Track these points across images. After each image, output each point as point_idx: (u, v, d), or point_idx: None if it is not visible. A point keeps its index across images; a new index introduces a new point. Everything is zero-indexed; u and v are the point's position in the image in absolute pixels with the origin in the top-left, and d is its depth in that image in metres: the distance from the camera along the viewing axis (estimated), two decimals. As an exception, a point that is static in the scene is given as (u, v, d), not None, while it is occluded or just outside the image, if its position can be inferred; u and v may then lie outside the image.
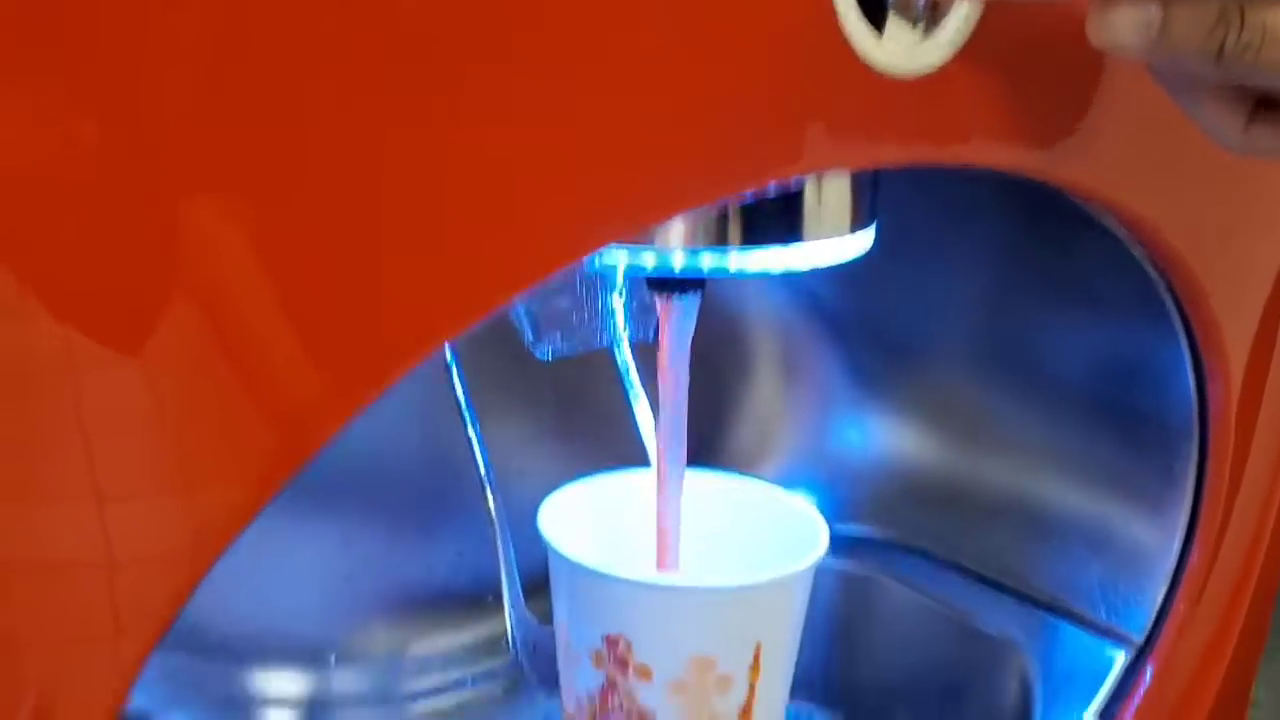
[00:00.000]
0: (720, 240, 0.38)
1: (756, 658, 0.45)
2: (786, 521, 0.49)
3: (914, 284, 0.58)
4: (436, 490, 0.59)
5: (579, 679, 0.46)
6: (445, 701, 0.60)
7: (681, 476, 0.47)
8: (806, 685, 0.67)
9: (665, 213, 0.35)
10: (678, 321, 0.45)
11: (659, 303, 0.45)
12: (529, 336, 0.49)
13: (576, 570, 0.45)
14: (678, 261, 0.38)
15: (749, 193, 0.36)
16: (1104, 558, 0.57)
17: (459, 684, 0.61)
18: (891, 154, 0.36)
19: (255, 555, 0.55)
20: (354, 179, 0.30)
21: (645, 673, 0.44)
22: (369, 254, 0.31)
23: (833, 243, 0.41)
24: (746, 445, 0.64)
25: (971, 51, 0.36)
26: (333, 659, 0.58)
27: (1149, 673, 0.55)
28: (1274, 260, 0.51)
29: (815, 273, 0.58)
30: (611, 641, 0.44)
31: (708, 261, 0.38)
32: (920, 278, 0.58)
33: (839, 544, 0.67)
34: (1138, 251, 0.46)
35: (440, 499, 0.60)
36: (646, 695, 0.44)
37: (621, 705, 0.45)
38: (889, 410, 0.63)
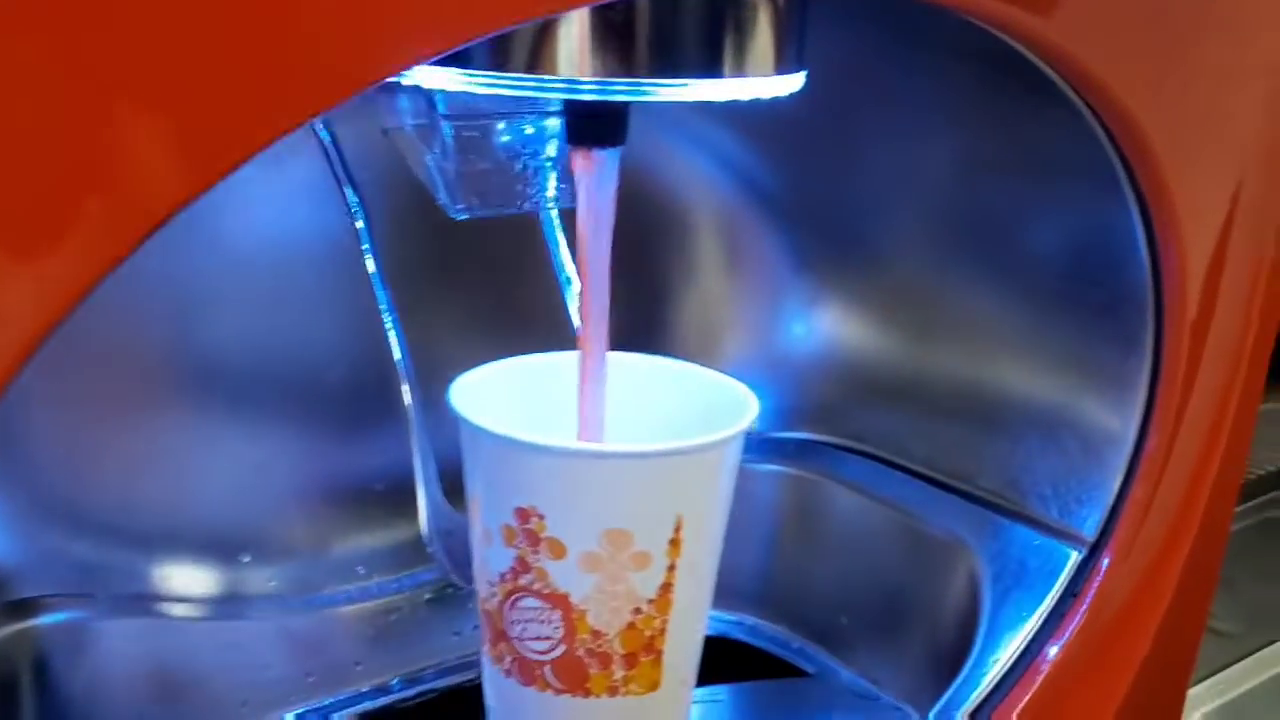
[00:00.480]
0: (633, 69, 0.35)
1: (677, 533, 0.42)
2: (716, 398, 0.46)
3: (863, 165, 0.56)
4: (361, 384, 0.57)
5: (490, 559, 0.43)
6: (368, 606, 0.57)
7: (604, 351, 0.44)
8: (751, 596, 0.64)
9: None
10: (597, 181, 0.42)
11: (577, 161, 0.42)
12: (442, 197, 0.46)
13: (484, 438, 0.42)
14: (588, 91, 0.35)
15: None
16: (1058, 451, 0.55)
17: (383, 588, 0.58)
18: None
19: (164, 442, 0.53)
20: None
21: (557, 548, 0.41)
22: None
23: (756, 81, 0.38)
24: (687, 343, 0.61)
25: None
26: (246, 557, 0.55)
27: (1101, 571, 0.53)
28: (1230, 123, 0.48)
29: (757, 157, 0.55)
30: (523, 514, 0.41)
31: (620, 91, 0.35)
32: (870, 158, 0.55)
33: (783, 448, 0.65)
34: (1085, 110, 0.44)
35: (366, 393, 0.57)
36: (559, 573, 0.42)
37: (533, 584, 0.42)
38: (837, 301, 0.61)
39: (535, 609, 0.42)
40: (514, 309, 0.56)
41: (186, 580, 0.53)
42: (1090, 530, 0.54)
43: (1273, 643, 0.94)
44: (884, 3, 0.41)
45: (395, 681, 0.57)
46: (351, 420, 0.57)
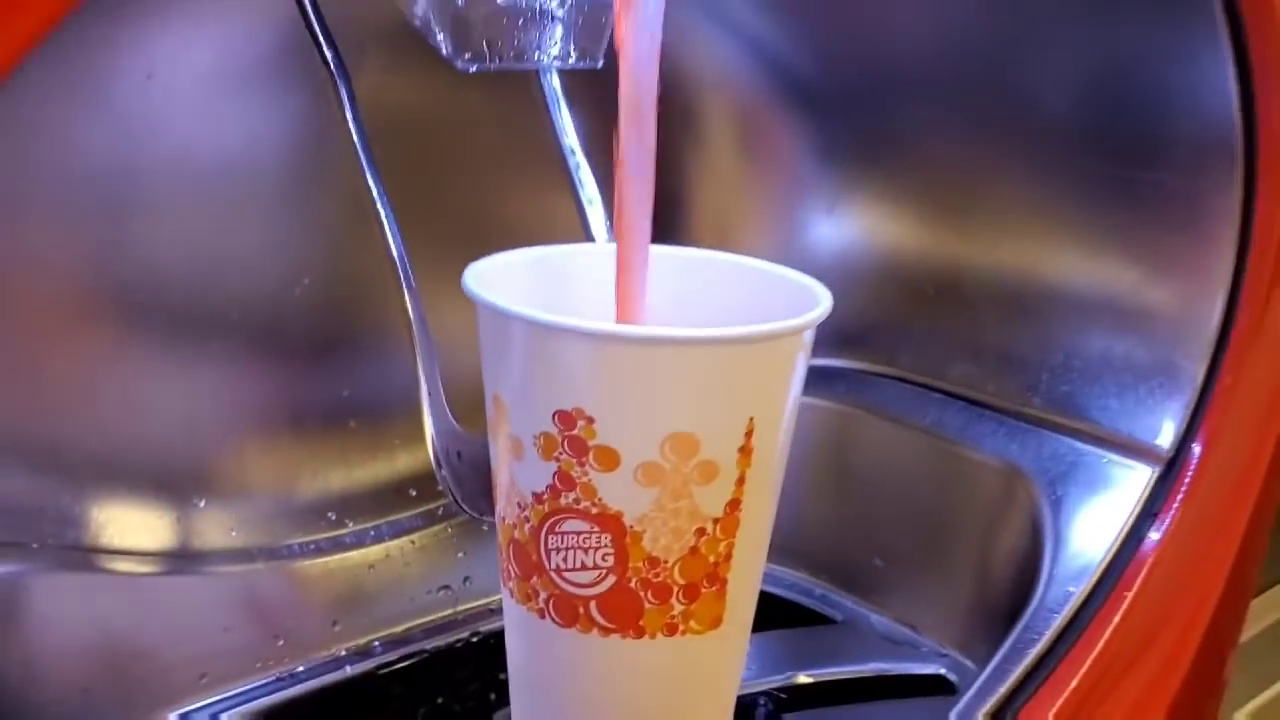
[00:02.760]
0: None
1: (748, 440, 0.35)
2: (779, 291, 0.39)
3: (892, 29, 0.49)
4: (333, 299, 0.49)
5: (522, 477, 0.36)
6: (344, 557, 0.50)
7: (647, 217, 0.37)
8: (787, 536, 0.58)
9: None
10: (641, 19, 0.35)
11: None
12: (446, 48, 0.38)
13: (516, 325, 0.34)
14: None
15: None
16: (1122, 355, 0.49)
17: (359, 537, 0.50)
18: None
19: (103, 367, 0.44)
20: None
21: (609, 458, 0.34)
22: None
23: None
24: (709, 230, 0.54)
25: None
26: (201, 502, 0.47)
27: (1184, 487, 0.47)
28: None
29: (777, 29, 0.48)
30: (567, 419, 0.34)
31: None
32: (899, 18, 0.48)
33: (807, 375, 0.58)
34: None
35: (339, 309, 0.49)
36: (610, 489, 0.34)
37: (578, 504, 0.35)
38: (865, 197, 0.54)
39: (581, 533, 0.35)
40: (514, 201, 0.49)
41: (132, 529, 0.45)
42: (1166, 443, 0.48)
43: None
44: None
45: (377, 644, 0.49)
46: (321, 342, 0.49)
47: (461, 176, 0.50)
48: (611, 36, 0.40)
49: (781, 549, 0.58)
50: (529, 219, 0.49)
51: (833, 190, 0.54)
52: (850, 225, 0.55)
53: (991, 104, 0.49)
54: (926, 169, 0.52)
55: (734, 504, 0.36)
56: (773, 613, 0.56)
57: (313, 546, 0.49)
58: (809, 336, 0.36)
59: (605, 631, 0.36)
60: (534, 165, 0.47)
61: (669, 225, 0.54)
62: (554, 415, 0.34)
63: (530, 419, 0.35)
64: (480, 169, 0.50)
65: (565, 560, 0.35)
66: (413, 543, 0.51)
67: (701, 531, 0.35)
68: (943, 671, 0.51)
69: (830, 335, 0.58)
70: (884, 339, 0.56)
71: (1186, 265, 0.46)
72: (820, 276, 0.53)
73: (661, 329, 0.34)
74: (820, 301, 0.37)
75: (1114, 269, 0.49)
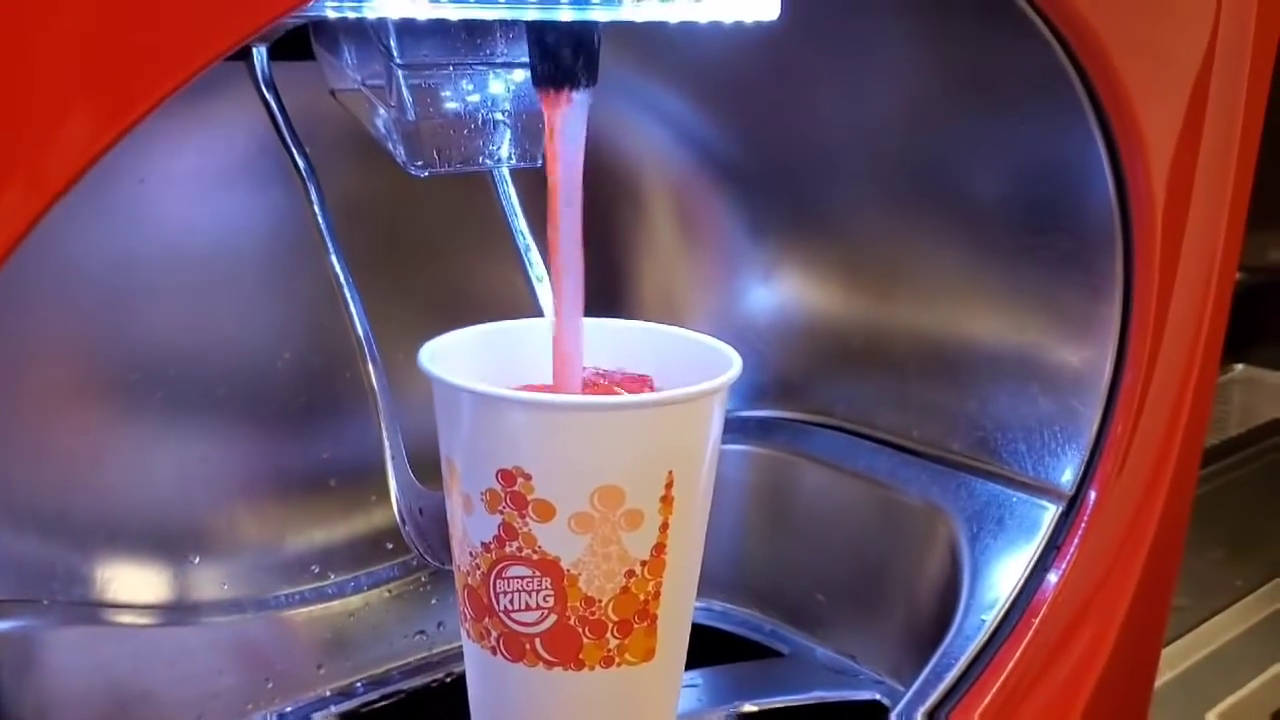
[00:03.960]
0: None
1: (669, 490, 0.40)
2: (693, 356, 0.45)
3: (815, 121, 0.55)
4: (311, 371, 0.54)
5: (473, 529, 0.41)
6: (326, 606, 0.54)
7: (579, 299, 0.42)
8: (721, 581, 0.63)
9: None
10: (568, 130, 0.40)
11: (548, 106, 0.40)
12: (400, 154, 0.43)
13: (464, 397, 0.39)
14: (564, 10, 0.34)
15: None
16: (1029, 405, 0.54)
17: (341, 587, 0.55)
18: None
19: (103, 437, 0.49)
20: None
21: (546, 510, 0.39)
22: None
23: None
24: (646, 316, 0.59)
25: None
26: (195, 558, 0.51)
27: (1083, 522, 0.52)
28: (1194, 43, 0.48)
29: (709, 119, 0.54)
30: (508, 476, 0.39)
31: (596, 9, 0.34)
32: (821, 111, 0.54)
33: (748, 425, 0.63)
34: (1045, 30, 0.43)
35: (316, 380, 0.54)
36: (548, 537, 0.39)
37: (521, 551, 0.40)
38: (796, 266, 0.59)
39: (524, 577, 0.40)
40: (470, 283, 0.54)
41: (133, 584, 0.50)
42: (1068, 483, 0.53)
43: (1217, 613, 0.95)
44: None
45: (360, 685, 0.54)
46: (302, 410, 0.54)
47: (427, 257, 0.55)
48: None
49: (732, 587, 0.63)
50: (487, 293, 0.54)
51: (767, 260, 0.60)
52: (784, 291, 0.60)
53: (909, 182, 0.54)
54: (852, 240, 0.58)
55: (659, 547, 0.41)
56: (725, 648, 0.61)
57: (298, 597, 0.54)
58: (722, 397, 0.41)
59: (549, 665, 0.41)
60: (491, 246, 0.53)
61: (616, 296, 0.60)
62: (497, 474, 0.39)
63: (477, 477, 0.40)
64: (443, 250, 0.55)
65: (512, 602, 0.40)
66: (390, 591, 0.56)
67: (631, 573, 0.40)
68: (878, 697, 0.56)
69: (770, 388, 0.63)
70: (819, 392, 0.61)
71: (1082, 323, 0.51)
72: (757, 337, 0.59)
73: (588, 397, 0.39)
74: (731, 365, 0.42)
75: (1020, 327, 0.54)
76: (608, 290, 0.59)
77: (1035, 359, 0.54)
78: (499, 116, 0.45)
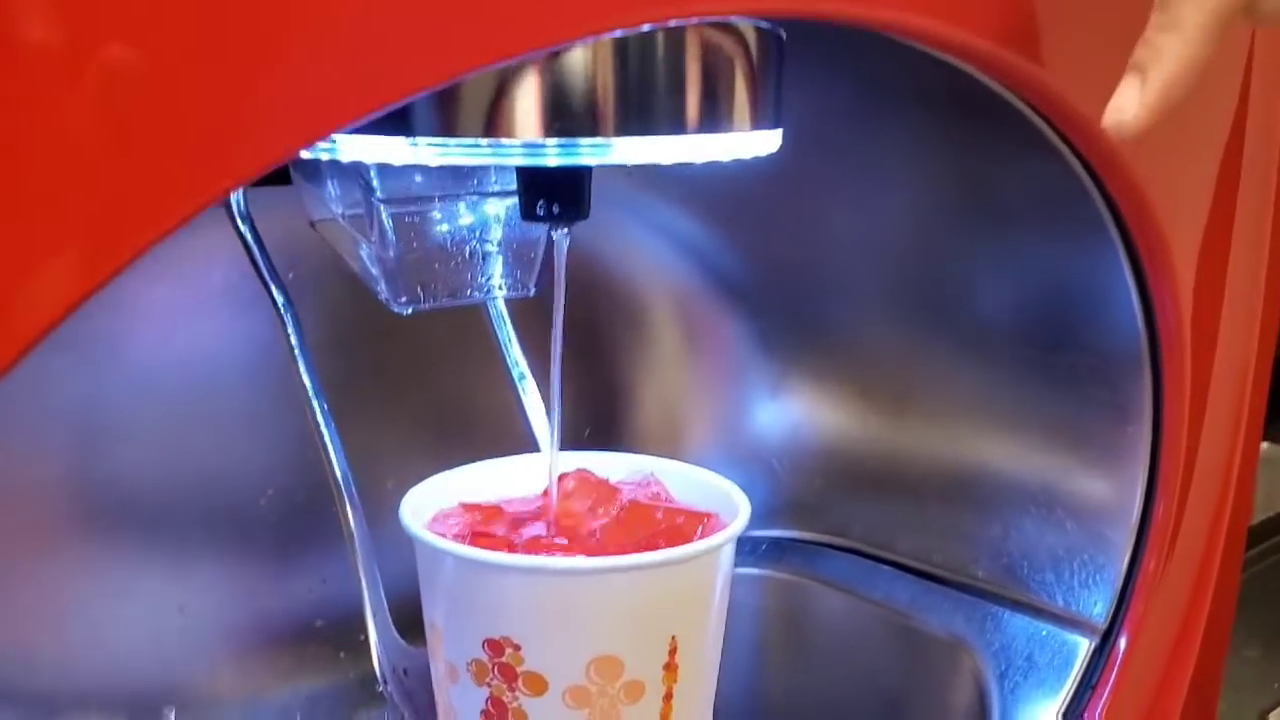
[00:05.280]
0: (599, 127, 0.31)
1: (672, 657, 0.37)
2: (698, 498, 0.42)
3: (825, 235, 0.52)
4: (295, 510, 0.51)
5: (458, 701, 0.38)
6: (312, 758, 0.51)
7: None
8: (733, 713, 0.59)
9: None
10: (563, 254, 0.38)
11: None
12: (382, 290, 0.41)
13: (447, 560, 0.36)
14: (551, 152, 0.31)
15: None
16: (1055, 533, 0.51)
17: (328, 736, 0.52)
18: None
19: (72, 586, 0.46)
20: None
21: (537, 683, 0.36)
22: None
23: (735, 138, 0.34)
24: (650, 434, 0.56)
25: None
26: (170, 713, 0.48)
27: (1118, 659, 0.48)
28: (1214, 159, 0.45)
29: (713, 236, 0.51)
30: (494, 646, 0.36)
31: (586, 149, 0.31)
32: (832, 226, 0.52)
33: (760, 548, 0.60)
34: (1066, 151, 0.40)
35: (300, 519, 0.51)
36: (540, 712, 0.36)
37: (511, 726, 0.36)
38: (806, 384, 0.56)
39: (515, 755, 0.37)
40: (461, 411, 0.51)
41: (103, 747, 0.46)
42: (1100, 615, 0.50)
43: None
44: (848, 50, 0.38)
45: (346, 847, 0.50)
46: (284, 550, 0.51)
47: (419, 385, 0.53)
48: (542, 266, 0.44)
49: (742, 718, 0.59)
50: (481, 420, 0.51)
51: (776, 377, 0.57)
52: (795, 409, 0.57)
53: (921, 297, 0.51)
54: (863, 357, 0.55)
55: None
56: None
57: (282, 749, 0.50)
58: (729, 549, 0.38)
59: (544, 847, 0.37)
60: (483, 369, 0.50)
61: (617, 417, 0.57)
62: (484, 643, 0.36)
63: (462, 646, 0.37)
64: (436, 377, 0.52)
65: (503, 781, 0.37)
66: (379, 738, 0.52)
67: (631, 748, 0.37)
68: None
69: (783, 508, 0.60)
70: (834, 512, 0.58)
71: (1108, 447, 0.48)
72: (767, 455, 0.55)
73: (581, 559, 0.36)
74: (737, 516, 0.39)
75: (1042, 449, 0.51)
76: (609, 405, 0.56)
77: (1060, 483, 0.51)
78: (489, 247, 0.42)
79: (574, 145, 0.31)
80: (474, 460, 0.44)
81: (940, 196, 0.48)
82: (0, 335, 0.24)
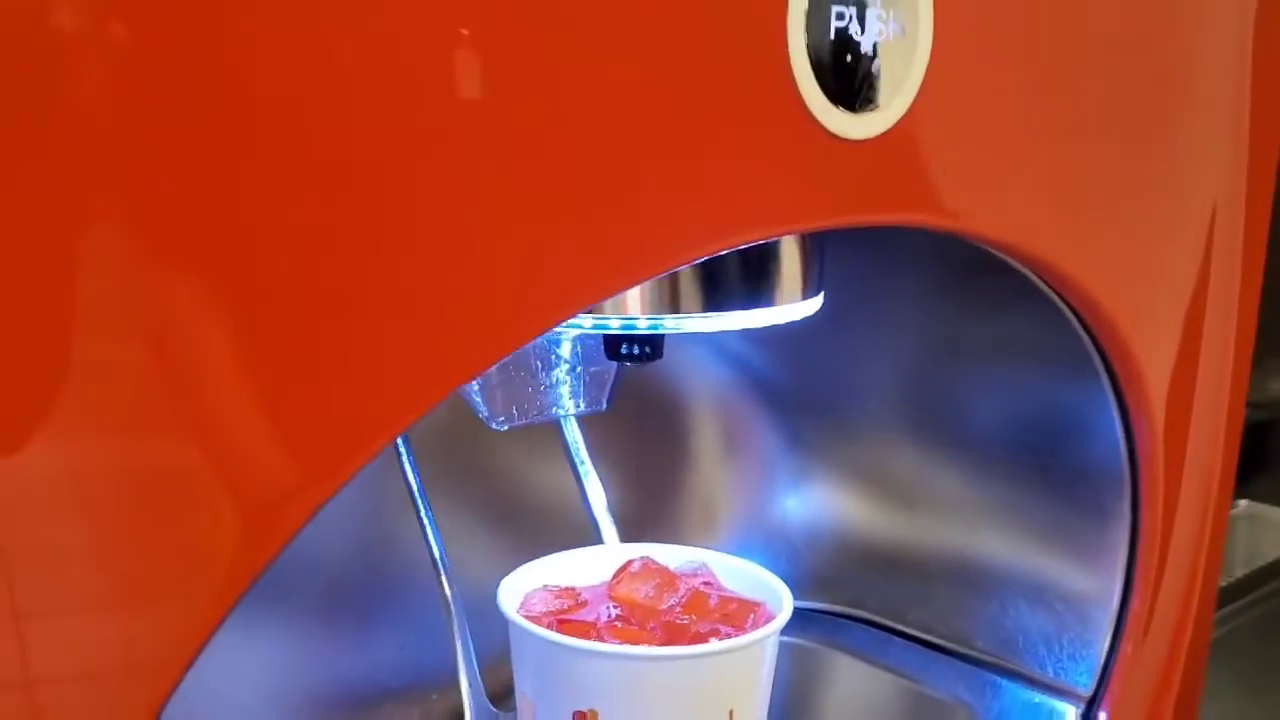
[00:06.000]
0: (689, 306, 0.39)
1: (729, 722, 0.44)
2: (747, 588, 0.49)
3: (850, 354, 0.60)
4: (374, 580, 0.58)
5: (548, 759, 0.45)
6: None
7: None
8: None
9: (655, 269, 0.35)
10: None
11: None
12: (483, 411, 0.49)
13: (543, 644, 0.44)
14: (642, 324, 0.39)
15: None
16: (1046, 612, 0.58)
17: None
18: (843, 216, 0.38)
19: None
20: (315, 256, 0.30)
21: (618, 749, 0.43)
22: (337, 337, 0.31)
23: (787, 308, 0.42)
24: (691, 520, 0.64)
25: (913, 119, 0.38)
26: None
27: (1100, 725, 0.56)
28: (1182, 307, 0.53)
29: (752, 345, 0.59)
30: (581, 717, 0.43)
31: (670, 324, 0.39)
32: (856, 348, 0.60)
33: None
34: (1062, 306, 0.48)
35: (378, 589, 0.58)
36: (619, 770, 0.44)
37: (593, 783, 0.44)
38: (829, 477, 0.64)
39: (597, 809, 0.44)
40: (534, 507, 0.59)
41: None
42: (1085, 685, 0.57)
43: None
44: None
45: None
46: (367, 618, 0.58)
47: (503, 482, 0.60)
48: (613, 385, 0.51)
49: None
50: (555, 519, 0.59)
51: (801, 471, 0.65)
52: (818, 498, 0.65)
53: (929, 410, 0.60)
54: (879, 459, 0.63)
55: (720, 777, 0.45)
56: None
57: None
58: (776, 637, 0.46)
59: None
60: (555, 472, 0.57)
61: (661, 513, 0.65)
62: (573, 715, 0.44)
63: (554, 715, 0.44)
64: (517, 478, 0.60)
65: (587, 830, 0.45)
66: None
67: (695, 802, 0.44)
68: None
69: (804, 581, 0.67)
70: (852, 587, 0.66)
71: (1091, 545, 0.56)
72: (792, 536, 0.63)
73: (655, 649, 0.44)
74: (783, 607, 0.47)
75: (1032, 543, 0.59)
76: (653, 497, 0.64)
77: (1050, 571, 0.58)
78: (566, 374, 0.50)
79: (659, 322, 0.39)
80: (543, 550, 0.52)
81: (948, 331, 0.56)
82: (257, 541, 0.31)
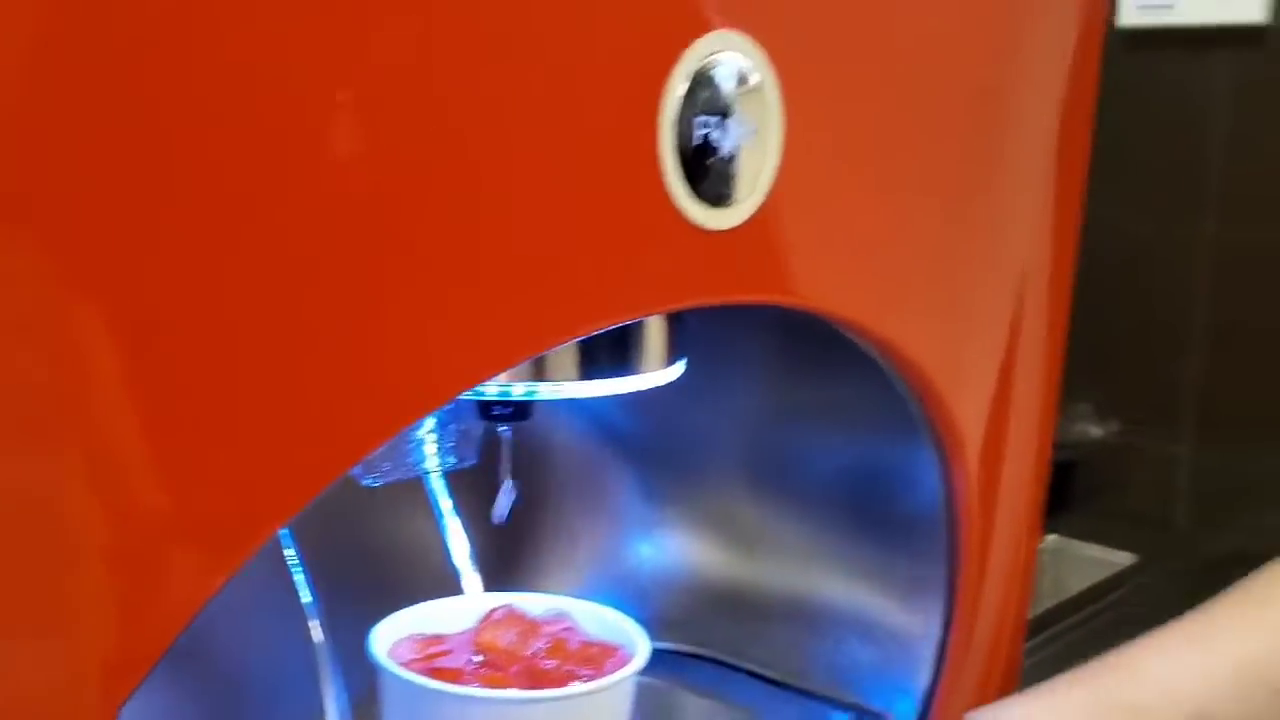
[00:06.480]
0: (557, 373, 0.43)
1: (588, 763, 0.48)
2: (605, 633, 0.53)
3: (698, 410, 0.64)
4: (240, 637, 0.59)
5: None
6: None
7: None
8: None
9: (537, 348, 0.39)
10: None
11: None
12: (356, 469, 0.51)
13: (412, 690, 0.47)
14: (517, 391, 0.42)
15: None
16: (875, 647, 0.64)
17: None
18: (705, 297, 0.42)
19: None
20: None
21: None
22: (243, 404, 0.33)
23: (651, 375, 0.46)
24: (552, 569, 0.67)
25: (766, 212, 0.42)
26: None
27: (921, 752, 0.61)
28: (995, 367, 0.59)
29: (609, 402, 0.63)
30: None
31: (544, 391, 0.43)
32: (705, 407, 0.64)
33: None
34: (890, 371, 0.54)
35: (245, 644, 0.60)
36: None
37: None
38: (679, 526, 0.69)
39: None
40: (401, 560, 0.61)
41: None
42: (910, 714, 0.63)
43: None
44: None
45: None
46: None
47: (371, 534, 0.62)
48: (481, 439, 0.54)
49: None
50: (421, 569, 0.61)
51: (652, 519, 0.69)
52: (667, 546, 0.69)
53: (770, 462, 0.65)
54: (722, 505, 0.67)
55: (579, 812, 0.48)
56: None
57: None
58: (632, 680, 0.49)
59: None
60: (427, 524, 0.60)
61: (520, 560, 0.68)
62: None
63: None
64: (385, 529, 0.62)
65: None
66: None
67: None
68: None
69: (656, 621, 0.71)
70: (697, 626, 0.70)
71: (914, 585, 0.62)
72: (644, 581, 0.67)
73: (517, 692, 0.47)
74: (639, 650, 0.50)
75: (862, 584, 0.64)
76: (513, 544, 0.67)
77: (877, 610, 0.64)
78: (436, 432, 0.53)
79: (534, 389, 0.43)
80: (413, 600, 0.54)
81: (788, 389, 0.61)
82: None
